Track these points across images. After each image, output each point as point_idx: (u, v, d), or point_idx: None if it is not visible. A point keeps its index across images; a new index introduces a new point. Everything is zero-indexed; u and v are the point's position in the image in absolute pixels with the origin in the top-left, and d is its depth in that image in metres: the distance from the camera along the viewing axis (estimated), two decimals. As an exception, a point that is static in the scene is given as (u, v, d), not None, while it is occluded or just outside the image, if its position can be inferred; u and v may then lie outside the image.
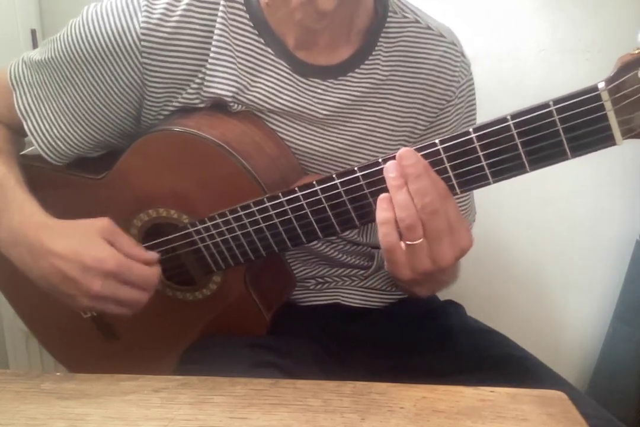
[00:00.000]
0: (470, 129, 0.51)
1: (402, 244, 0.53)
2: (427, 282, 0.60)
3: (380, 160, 0.54)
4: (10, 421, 0.48)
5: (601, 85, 0.47)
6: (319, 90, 0.69)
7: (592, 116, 0.48)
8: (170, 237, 0.66)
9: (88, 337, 0.77)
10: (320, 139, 0.71)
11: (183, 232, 0.65)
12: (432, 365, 0.70)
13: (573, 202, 1.26)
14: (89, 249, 0.59)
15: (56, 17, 1.21)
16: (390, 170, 0.53)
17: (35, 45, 1.18)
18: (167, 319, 0.71)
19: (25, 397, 0.52)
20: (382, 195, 0.54)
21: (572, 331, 1.37)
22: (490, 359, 0.68)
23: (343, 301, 0.79)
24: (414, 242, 0.52)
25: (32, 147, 0.76)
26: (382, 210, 0.53)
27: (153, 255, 0.63)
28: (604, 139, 0.48)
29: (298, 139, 0.70)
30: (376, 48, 0.70)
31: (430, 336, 0.75)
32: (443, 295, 0.86)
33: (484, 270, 1.31)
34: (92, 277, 0.58)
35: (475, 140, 0.51)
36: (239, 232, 0.62)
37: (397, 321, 0.79)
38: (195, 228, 0.64)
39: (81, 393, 0.52)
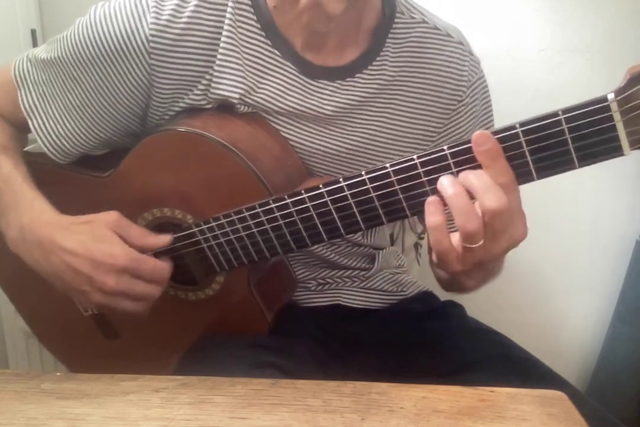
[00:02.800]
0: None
1: (456, 246, 0.51)
2: (476, 273, 0.56)
3: (387, 165, 0.54)
4: (10, 421, 0.48)
5: (610, 96, 0.46)
6: (327, 92, 0.69)
7: (601, 126, 0.47)
8: (174, 236, 0.65)
9: (88, 335, 0.77)
10: (327, 139, 0.71)
11: (187, 232, 0.65)
12: (432, 365, 0.70)
13: (573, 203, 1.27)
14: (100, 244, 0.59)
15: (56, 17, 1.21)
16: (445, 180, 0.50)
17: (35, 45, 1.18)
18: (168, 318, 0.71)
19: (25, 397, 0.52)
20: (430, 199, 0.51)
21: (572, 331, 1.37)
22: (490, 359, 0.68)
23: (344, 301, 0.79)
24: (474, 246, 0.49)
25: (34, 144, 0.76)
26: (432, 215, 0.50)
27: (166, 238, 0.63)
28: (612, 149, 0.48)
29: (304, 140, 0.70)
30: (384, 49, 0.70)
31: (430, 336, 0.75)
32: (443, 295, 0.86)
33: (484, 270, 1.31)
34: (105, 272, 0.58)
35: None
36: (243, 233, 0.62)
37: (398, 321, 0.79)
38: (200, 228, 0.64)
39: (81, 393, 0.52)
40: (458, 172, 0.51)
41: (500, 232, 0.49)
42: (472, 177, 0.49)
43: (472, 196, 0.49)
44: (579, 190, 1.25)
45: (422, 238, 1.12)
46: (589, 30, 1.15)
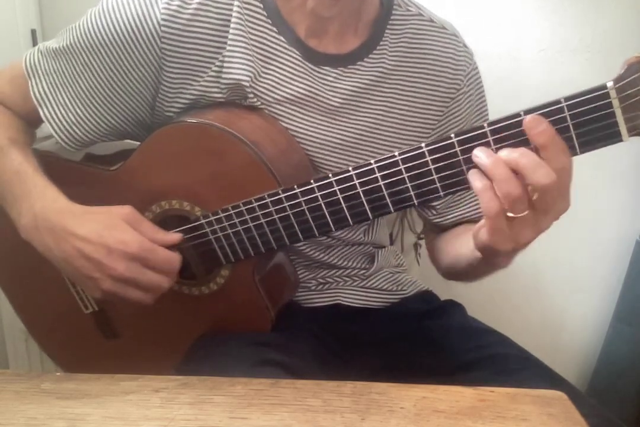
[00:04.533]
0: (485, 124, 0.52)
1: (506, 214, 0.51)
2: (517, 253, 0.57)
3: (396, 153, 0.55)
4: (10, 421, 0.48)
5: (610, 84, 0.49)
6: (330, 78, 0.71)
7: (600, 113, 0.49)
8: (182, 228, 0.66)
9: (88, 336, 0.77)
10: (331, 129, 0.72)
11: (195, 224, 0.65)
12: (432, 365, 0.70)
13: (573, 203, 1.26)
14: (112, 231, 0.60)
15: (56, 17, 1.21)
16: (479, 153, 0.51)
17: (35, 45, 1.18)
18: (171, 314, 0.71)
19: (25, 397, 0.52)
20: (471, 171, 0.52)
21: (572, 331, 1.37)
22: (490, 359, 0.68)
23: (344, 301, 0.79)
24: (520, 215, 0.50)
25: (40, 144, 0.77)
26: (477, 181, 0.51)
27: (176, 236, 0.64)
28: (611, 135, 0.50)
29: (309, 130, 0.71)
30: (383, 39, 0.72)
31: (430, 336, 0.75)
32: (443, 295, 0.86)
33: (484, 270, 1.31)
34: (116, 259, 0.59)
35: (489, 135, 0.52)
36: (251, 224, 0.62)
37: (398, 320, 0.79)
38: (208, 219, 0.64)
39: (81, 393, 0.52)
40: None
41: (550, 206, 0.50)
42: (517, 156, 0.49)
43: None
44: (579, 190, 1.24)
45: (422, 238, 1.12)
46: (589, 30, 1.15)
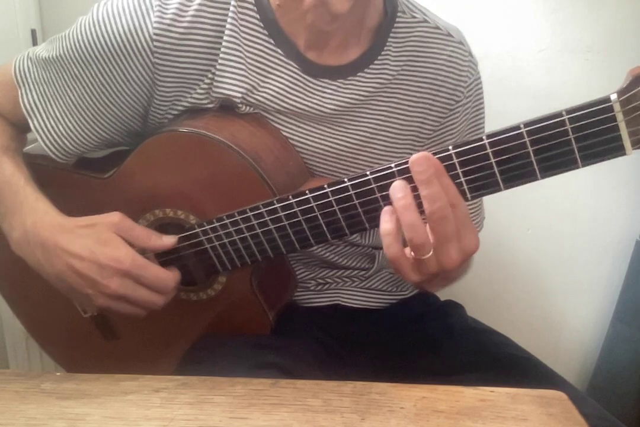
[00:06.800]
0: (484, 136, 0.51)
1: (408, 253, 0.52)
2: (435, 281, 0.57)
3: (392, 165, 0.54)
4: (10, 421, 0.48)
5: (614, 96, 0.47)
6: (329, 91, 0.69)
7: (604, 126, 0.48)
8: (177, 236, 0.65)
9: (87, 337, 0.77)
10: (329, 138, 0.71)
11: (190, 233, 0.65)
12: (432, 365, 0.70)
13: (573, 203, 1.26)
14: (104, 248, 0.59)
15: (56, 17, 1.21)
16: (397, 191, 0.52)
17: (35, 45, 1.18)
18: (170, 319, 0.71)
19: (25, 397, 0.52)
20: (386, 208, 0.52)
21: (572, 331, 1.37)
22: (490, 359, 0.68)
23: (343, 301, 0.79)
24: (423, 257, 0.51)
25: (33, 145, 0.76)
26: (385, 222, 0.51)
27: (170, 240, 0.63)
28: (614, 149, 0.49)
29: (305, 139, 0.70)
30: (385, 48, 0.70)
31: (430, 336, 0.75)
32: (443, 295, 0.86)
33: (485, 270, 1.31)
34: (108, 276, 0.58)
35: (488, 147, 0.51)
36: (247, 234, 0.62)
37: (398, 321, 0.79)
38: (203, 228, 0.64)
39: (81, 393, 0.52)
40: (464, 173, 0.52)
41: (449, 238, 0.50)
42: (423, 186, 0.50)
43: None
44: (579, 190, 1.25)
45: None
46: (589, 30, 1.15)
